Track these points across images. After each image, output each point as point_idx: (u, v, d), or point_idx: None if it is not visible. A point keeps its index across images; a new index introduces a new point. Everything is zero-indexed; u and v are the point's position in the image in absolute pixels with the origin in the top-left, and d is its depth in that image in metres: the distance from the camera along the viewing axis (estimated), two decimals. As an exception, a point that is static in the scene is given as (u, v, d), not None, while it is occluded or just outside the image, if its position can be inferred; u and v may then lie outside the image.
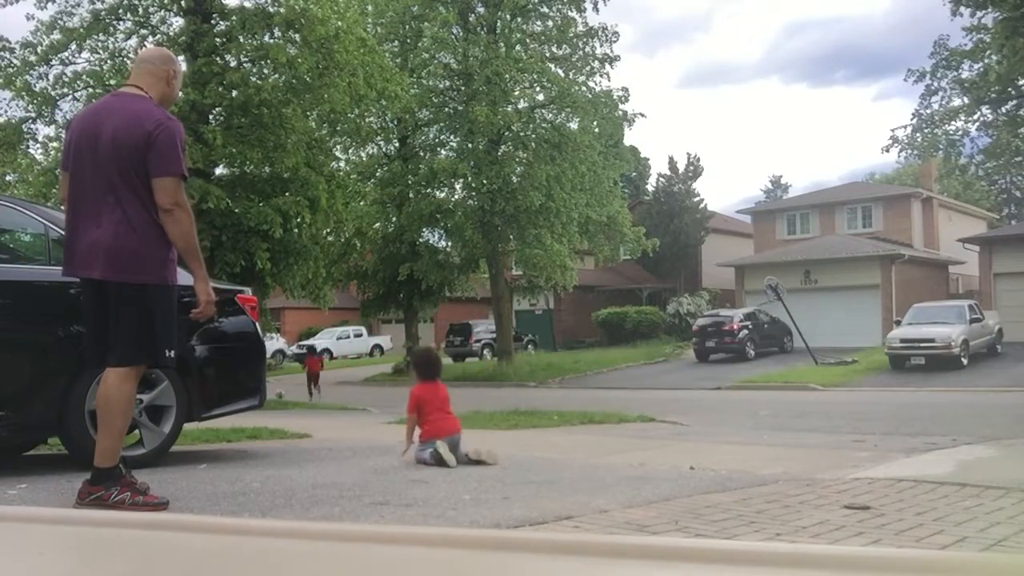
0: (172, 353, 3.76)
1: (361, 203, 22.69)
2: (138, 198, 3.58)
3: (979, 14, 17.38)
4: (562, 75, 24.67)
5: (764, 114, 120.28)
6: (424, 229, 25.41)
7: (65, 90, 16.86)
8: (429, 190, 25.00)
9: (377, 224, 25.20)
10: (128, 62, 16.04)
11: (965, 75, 19.37)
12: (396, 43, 25.05)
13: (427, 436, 5.38)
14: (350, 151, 24.35)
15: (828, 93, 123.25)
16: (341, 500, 3.97)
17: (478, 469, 5.07)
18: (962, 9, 17.10)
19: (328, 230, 19.94)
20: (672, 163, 39.51)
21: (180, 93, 17.31)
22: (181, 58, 16.85)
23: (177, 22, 17.34)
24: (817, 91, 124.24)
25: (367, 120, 20.55)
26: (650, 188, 45.74)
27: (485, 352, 31.99)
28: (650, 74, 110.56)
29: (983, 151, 20.59)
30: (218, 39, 16.66)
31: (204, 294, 3.80)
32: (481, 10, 24.68)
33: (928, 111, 20.41)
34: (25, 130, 17.34)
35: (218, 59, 16.43)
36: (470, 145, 23.81)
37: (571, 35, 24.84)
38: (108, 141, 3.59)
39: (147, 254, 3.60)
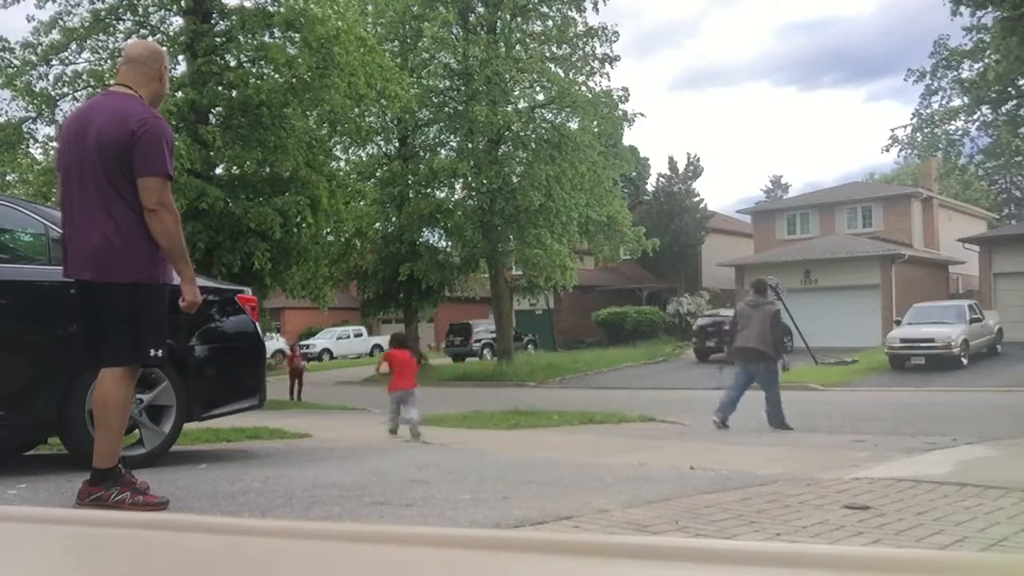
0: (160, 353, 3.71)
1: (361, 203, 22.68)
2: (123, 198, 3.55)
3: (979, 14, 17.36)
4: (562, 75, 24.69)
5: (757, 117, 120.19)
6: (424, 229, 25.41)
7: (65, 90, 16.86)
8: (429, 190, 25.00)
9: (377, 224, 25.19)
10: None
11: (965, 75, 19.35)
12: (396, 43, 25.04)
13: (394, 388, 7.71)
14: (350, 151, 24.36)
15: (818, 96, 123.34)
16: (341, 500, 3.97)
17: (478, 469, 5.09)
18: (962, 9, 17.08)
19: (328, 230, 19.93)
20: (672, 163, 39.53)
21: (180, 93, 17.11)
22: (181, 58, 16.85)
23: (177, 22, 17.36)
24: (807, 94, 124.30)
25: (367, 120, 20.54)
26: (650, 188, 45.73)
27: (485, 352, 31.99)
28: (641, 78, 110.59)
29: (983, 151, 20.54)
30: (218, 39, 16.67)
31: (191, 295, 3.76)
32: (481, 10, 24.70)
33: (928, 111, 20.39)
34: (25, 130, 17.34)
35: (218, 59, 16.42)
36: (470, 145, 23.82)
37: (571, 35, 24.85)
38: (93, 141, 3.57)
39: (134, 254, 3.58)
